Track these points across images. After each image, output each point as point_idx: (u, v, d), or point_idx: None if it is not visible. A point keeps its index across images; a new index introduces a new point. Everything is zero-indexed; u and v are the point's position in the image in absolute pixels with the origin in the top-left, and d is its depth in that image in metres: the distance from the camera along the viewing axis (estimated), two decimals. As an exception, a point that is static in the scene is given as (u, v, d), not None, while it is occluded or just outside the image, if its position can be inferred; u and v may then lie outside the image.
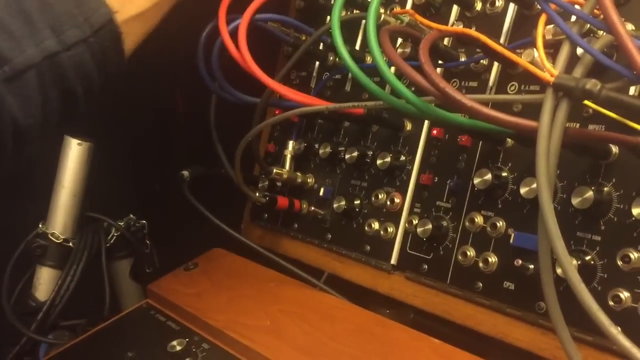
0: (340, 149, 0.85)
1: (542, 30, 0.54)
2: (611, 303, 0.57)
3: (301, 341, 0.69)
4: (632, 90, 0.59)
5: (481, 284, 0.68)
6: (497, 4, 0.71)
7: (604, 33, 0.53)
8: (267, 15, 0.82)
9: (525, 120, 0.49)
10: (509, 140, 0.68)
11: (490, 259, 0.67)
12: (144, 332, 0.76)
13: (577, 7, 0.56)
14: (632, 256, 0.57)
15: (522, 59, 0.58)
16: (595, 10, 0.54)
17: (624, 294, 0.57)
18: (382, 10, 0.73)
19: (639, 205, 0.57)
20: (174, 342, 0.71)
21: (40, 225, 0.94)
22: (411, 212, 0.77)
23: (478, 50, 0.70)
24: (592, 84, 0.46)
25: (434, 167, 0.75)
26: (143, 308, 0.83)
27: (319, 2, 0.88)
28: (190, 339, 0.71)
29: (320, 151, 0.86)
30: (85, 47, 0.60)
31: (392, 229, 0.77)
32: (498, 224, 0.67)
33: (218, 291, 0.79)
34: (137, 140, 1.12)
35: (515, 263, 0.63)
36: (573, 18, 0.57)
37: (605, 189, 0.59)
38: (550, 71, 0.49)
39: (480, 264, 0.67)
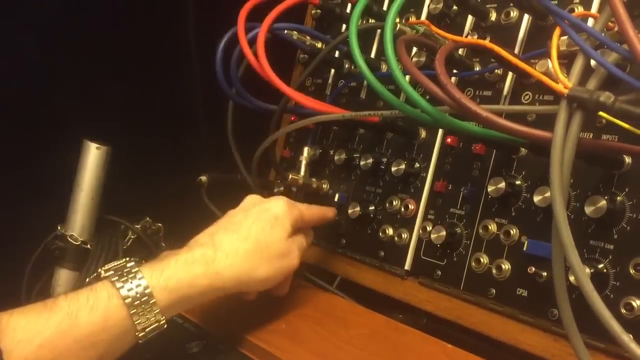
0: (355, 155, 0.87)
1: (557, 42, 0.55)
2: (623, 311, 0.58)
3: (316, 344, 0.70)
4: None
5: (494, 291, 0.69)
6: (512, 14, 0.72)
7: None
8: (284, 24, 0.84)
9: (539, 130, 0.50)
10: (522, 149, 0.69)
11: (503, 266, 0.68)
12: (161, 334, 0.77)
13: (591, 20, 0.57)
14: (644, 265, 0.57)
15: (536, 70, 0.59)
16: (610, 23, 0.55)
17: (636, 302, 0.57)
18: (397, 20, 0.74)
19: (651, 214, 0.58)
20: (192, 344, 0.72)
21: (58, 228, 0.96)
22: (425, 219, 0.78)
23: (492, 59, 0.71)
24: (606, 97, 0.47)
25: (448, 175, 0.76)
26: (160, 310, 0.84)
27: (335, 11, 0.89)
28: (207, 341, 0.73)
29: (336, 157, 0.88)
30: None
31: (406, 235, 0.78)
32: (511, 232, 0.68)
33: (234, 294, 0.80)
34: (155, 144, 1.14)
35: (528, 270, 0.64)
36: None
37: (618, 198, 0.60)
38: (565, 83, 0.50)
39: (494, 271, 0.68)
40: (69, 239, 0.96)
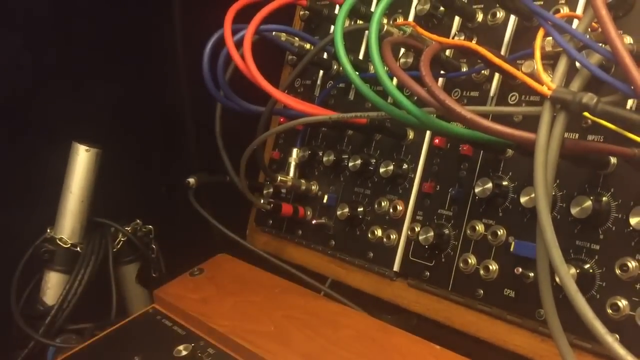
0: (344, 156, 0.87)
1: (540, 44, 0.55)
2: (609, 311, 0.58)
3: (305, 347, 0.70)
4: (629, 102, 0.60)
5: (482, 291, 0.69)
6: (498, 15, 0.72)
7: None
8: (272, 26, 0.83)
9: (523, 132, 0.50)
10: (509, 150, 0.69)
11: (491, 267, 0.68)
12: (150, 337, 0.77)
13: (576, 21, 0.57)
14: (630, 265, 0.58)
15: (521, 72, 0.59)
16: (594, 23, 0.56)
17: (622, 302, 0.58)
18: (384, 21, 0.74)
19: (636, 214, 0.58)
20: (180, 347, 0.72)
21: (48, 230, 0.96)
22: (413, 220, 0.78)
23: (479, 60, 0.71)
24: (589, 98, 0.47)
25: (436, 176, 0.76)
26: (149, 313, 0.84)
27: (323, 13, 0.89)
28: (195, 344, 0.72)
29: (324, 159, 0.87)
30: None
31: (394, 236, 0.78)
32: (499, 232, 0.68)
33: (223, 297, 0.80)
34: (144, 146, 1.14)
35: (515, 271, 0.64)
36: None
37: (604, 198, 0.60)
38: (548, 84, 0.50)
39: (481, 272, 0.68)
40: (59, 242, 0.96)
